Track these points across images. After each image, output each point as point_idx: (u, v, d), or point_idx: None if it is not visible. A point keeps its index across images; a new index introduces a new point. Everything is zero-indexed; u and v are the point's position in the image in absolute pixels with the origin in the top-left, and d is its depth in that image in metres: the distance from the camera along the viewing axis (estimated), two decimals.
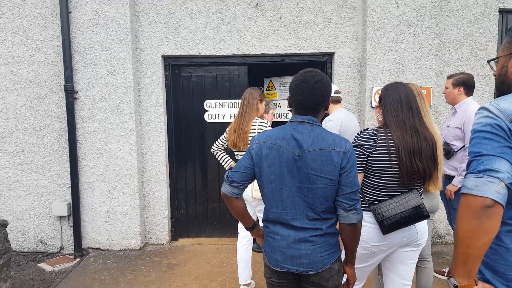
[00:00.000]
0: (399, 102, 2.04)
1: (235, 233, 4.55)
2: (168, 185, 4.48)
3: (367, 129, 2.10)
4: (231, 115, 4.42)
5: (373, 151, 2.01)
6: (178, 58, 4.33)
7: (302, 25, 4.17)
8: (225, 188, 1.80)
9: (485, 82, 4.32)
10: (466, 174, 1.20)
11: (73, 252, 4.27)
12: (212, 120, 4.42)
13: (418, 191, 2.09)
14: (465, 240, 1.15)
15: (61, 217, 4.35)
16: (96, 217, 4.30)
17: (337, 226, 1.77)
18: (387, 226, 2.01)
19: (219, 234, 4.65)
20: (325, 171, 1.64)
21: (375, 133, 2.04)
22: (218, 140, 3.28)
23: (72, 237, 4.27)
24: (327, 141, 1.66)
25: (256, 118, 3.11)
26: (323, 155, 1.64)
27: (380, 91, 2.29)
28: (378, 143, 2.01)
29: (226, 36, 4.19)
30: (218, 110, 4.41)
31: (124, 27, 4.05)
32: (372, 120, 4.17)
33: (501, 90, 1.38)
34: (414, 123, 2.01)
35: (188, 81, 4.42)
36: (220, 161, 3.33)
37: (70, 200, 4.26)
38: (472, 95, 3.33)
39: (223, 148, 3.30)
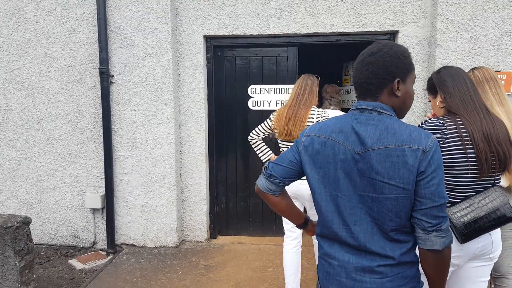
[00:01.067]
0: (463, 81, 1.75)
1: (278, 232, 4.14)
2: (208, 177, 4.11)
3: (430, 119, 1.76)
4: (278, 102, 3.99)
5: (443, 144, 1.67)
6: (221, 39, 3.94)
7: (361, 0, 3.67)
8: (261, 182, 1.46)
9: None
10: None
11: (105, 248, 3.99)
12: (256, 108, 4.01)
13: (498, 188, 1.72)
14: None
15: (94, 210, 4.08)
16: (130, 211, 4.00)
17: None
18: (468, 233, 1.64)
19: (261, 233, 4.24)
20: (396, 176, 1.20)
21: (442, 122, 1.71)
22: (259, 127, 2.93)
23: (105, 231, 3.99)
24: (400, 136, 1.21)
25: (314, 106, 2.80)
26: (393, 155, 1.20)
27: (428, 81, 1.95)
28: (448, 134, 1.68)
29: (274, 13, 3.75)
30: (264, 97, 3.99)
31: (164, 4, 3.69)
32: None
33: None
34: (485, 104, 1.72)
35: (232, 64, 4.02)
36: (258, 152, 3.00)
37: (104, 192, 3.97)
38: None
39: (263, 137, 2.97)
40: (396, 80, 1.26)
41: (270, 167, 1.44)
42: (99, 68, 3.76)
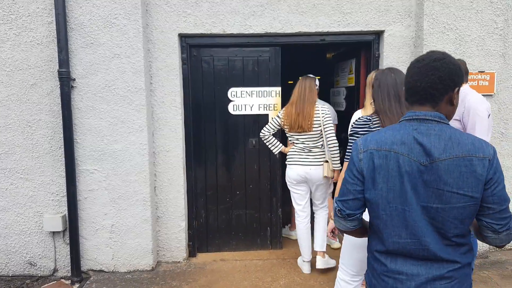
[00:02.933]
0: (386, 91, 2.02)
1: (263, 245, 3.88)
2: (186, 190, 3.73)
3: (362, 116, 2.07)
4: (260, 106, 3.71)
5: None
6: (198, 38, 3.60)
7: None
8: (343, 225, 1.46)
9: None
10: None
11: (69, 275, 3.48)
12: (237, 112, 3.70)
13: None
14: None
15: (54, 232, 3.55)
16: (98, 233, 3.52)
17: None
18: None
19: (245, 247, 3.92)
20: (465, 186, 1.24)
21: (369, 118, 2.03)
22: (269, 125, 3.35)
23: (69, 257, 3.48)
24: (465, 146, 1.25)
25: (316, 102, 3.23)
26: (462, 165, 1.24)
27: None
28: (373, 128, 1.98)
29: (256, 11, 3.48)
30: (245, 100, 3.70)
31: None
32: None
33: None
34: (402, 112, 1.96)
35: (210, 66, 3.69)
36: (270, 146, 3.43)
37: (66, 212, 3.46)
38: (467, 82, 2.77)
39: (274, 132, 3.40)
40: (457, 89, 1.31)
41: (342, 207, 1.41)
42: (58, 71, 3.27)
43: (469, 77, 3.38)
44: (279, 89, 3.70)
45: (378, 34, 3.65)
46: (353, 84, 4.08)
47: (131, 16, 3.30)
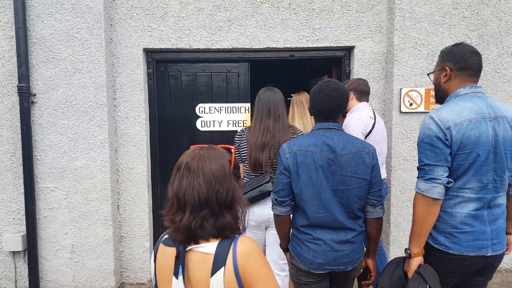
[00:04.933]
0: (260, 107, 2.54)
1: None
2: (151, 209, 3.61)
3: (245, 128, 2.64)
4: (229, 122, 3.61)
5: (241, 143, 2.58)
6: (164, 53, 3.52)
7: (316, 14, 3.43)
8: (278, 210, 1.91)
9: None
10: (418, 178, 1.75)
11: None
12: (206, 128, 3.60)
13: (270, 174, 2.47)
14: (421, 221, 1.72)
15: (15, 252, 3.42)
16: (58, 253, 3.38)
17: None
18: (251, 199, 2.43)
19: None
20: (359, 172, 1.79)
21: (243, 130, 2.61)
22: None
23: (27, 278, 3.34)
24: (356, 145, 1.83)
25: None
26: (356, 157, 1.80)
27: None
28: (243, 139, 2.56)
29: (223, 26, 3.41)
30: (214, 116, 3.60)
31: (96, 13, 3.23)
32: (400, 127, 3.43)
33: (437, 97, 1.91)
34: (268, 124, 2.48)
35: (177, 81, 3.60)
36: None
37: (25, 232, 3.34)
38: (366, 100, 2.99)
39: None
40: (346, 107, 1.94)
41: (276, 197, 1.89)
42: (17, 86, 3.19)
43: None
44: (248, 105, 3.60)
45: (349, 50, 3.58)
46: None
47: (93, 31, 3.23)
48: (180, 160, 1.20)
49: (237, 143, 2.59)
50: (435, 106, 3.36)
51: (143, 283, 3.58)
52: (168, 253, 1.16)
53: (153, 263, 1.21)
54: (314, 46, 3.47)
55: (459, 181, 1.69)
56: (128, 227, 3.52)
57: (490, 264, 1.77)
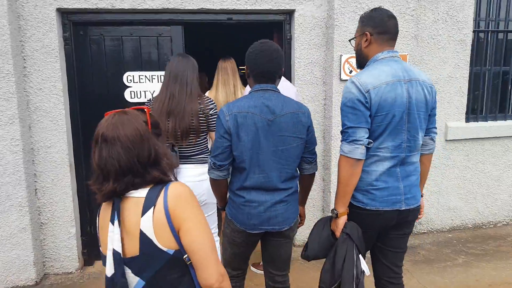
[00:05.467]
0: (167, 73, 2.44)
1: None
2: (76, 191, 3.23)
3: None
4: None
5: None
6: (82, 14, 3.07)
7: None
8: (215, 175, 1.87)
9: (461, 49, 3.73)
10: (342, 141, 1.78)
11: None
12: (136, 100, 3.25)
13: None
14: (345, 182, 1.79)
15: None
16: None
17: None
18: None
19: None
20: (297, 131, 1.84)
21: (152, 98, 2.55)
22: None
23: None
24: (293, 105, 1.86)
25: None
26: (293, 117, 1.83)
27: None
28: (152, 104, 2.45)
29: None
30: (144, 86, 3.25)
31: None
32: (341, 95, 3.34)
33: (358, 62, 1.97)
34: (174, 91, 2.37)
35: (100, 47, 3.18)
36: None
37: None
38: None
39: None
40: (283, 69, 1.98)
41: (215, 161, 1.84)
42: None
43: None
44: None
45: (289, 14, 3.39)
46: None
47: None
48: (96, 131, 1.21)
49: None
50: None
51: (70, 272, 3.23)
52: (107, 204, 1.23)
53: (97, 218, 1.28)
54: (253, 8, 3.22)
55: (377, 141, 1.77)
56: (49, 213, 3.12)
57: (405, 218, 1.87)
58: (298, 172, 1.97)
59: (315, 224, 2.00)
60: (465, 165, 3.93)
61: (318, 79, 3.48)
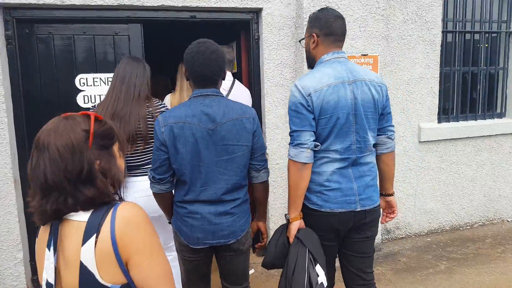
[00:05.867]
0: (115, 74, 2.26)
1: None
2: (22, 210, 2.85)
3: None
4: None
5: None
6: (27, 10, 2.75)
7: None
8: (156, 189, 1.78)
9: (431, 49, 3.71)
10: (289, 144, 1.76)
11: None
12: (90, 105, 2.93)
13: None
14: (294, 186, 1.75)
15: None
16: None
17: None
18: None
19: None
20: (241, 139, 1.73)
21: (94, 105, 2.32)
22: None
23: None
24: (236, 111, 1.74)
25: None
26: (236, 124, 1.71)
27: None
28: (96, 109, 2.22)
29: None
30: (99, 89, 2.95)
31: None
32: None
33: (308, 63, 1.96)
34: (120, 93, 2.18)
35: (48, 46, 2.86)
36: None
37: None
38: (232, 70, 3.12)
39: None
40: (227, 70, 2.13)
41: (154, 175, 1.75)
42: None
43: (354, 61, 3.23)
44: None
45: (257, 13, 3.22)
46: (235, 70, 3.58)
47: None
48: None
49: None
50: None
51: None
52: (46, 227, 1.07)
53: (36, 239, 1.13)
54: (218, 6, 3.03)
55: (325, 144, 1.76)
56: None
57: (362, 219, 1.83)
58: (246, 181, 1.86)
59: (275, 231, 1.91)
60: (439, 166, 3.87)
61: (288, 81, 3.32)
